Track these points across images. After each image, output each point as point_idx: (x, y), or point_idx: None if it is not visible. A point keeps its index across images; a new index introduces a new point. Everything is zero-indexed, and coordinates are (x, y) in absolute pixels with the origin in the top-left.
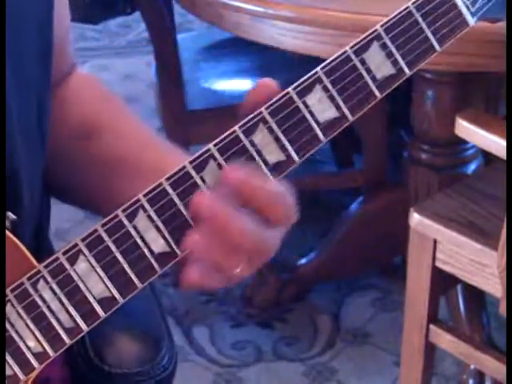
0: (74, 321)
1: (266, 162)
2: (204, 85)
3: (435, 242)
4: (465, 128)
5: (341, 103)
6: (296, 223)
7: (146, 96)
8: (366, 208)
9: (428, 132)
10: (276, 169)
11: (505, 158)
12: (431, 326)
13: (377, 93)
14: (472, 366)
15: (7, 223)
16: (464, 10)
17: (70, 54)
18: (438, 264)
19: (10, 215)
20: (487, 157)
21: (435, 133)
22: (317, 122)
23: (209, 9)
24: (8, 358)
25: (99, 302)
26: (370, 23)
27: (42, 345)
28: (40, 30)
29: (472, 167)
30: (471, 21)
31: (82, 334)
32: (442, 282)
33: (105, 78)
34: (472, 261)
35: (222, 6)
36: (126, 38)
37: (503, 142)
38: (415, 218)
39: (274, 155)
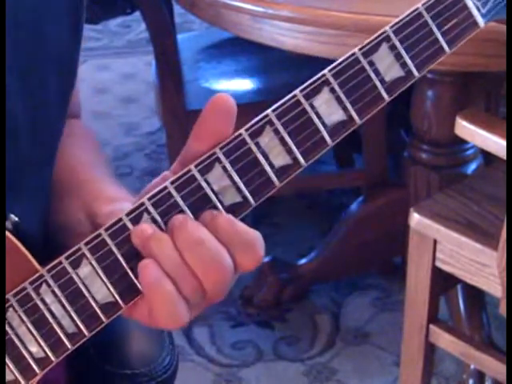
0: (77, 326)
1: (272, 166)
2: (204, 85)
3: (435, 242)
4: (465, 128)
5: (348, 106)
6: (296, 223)
7: (145, 96)
8: (365, 208)
9: (428, 132)
10: (282, 172)
11: (505, 158)
12: (431, 326)
13: (385, 95)
14: (472, 366)
15: (9, 224)
16: (475, 12)
17: (76, 101)
18: (438, 264)
19: (12, 217)
20: (487, 157)
21: (435, 133)
22: (324, 124)
23: (209, 9)
24: (9, 363)
25: (102, 307)
26: (370, 23)
27: (43, 350)
28: (62, 69)
29: (472, 167)
30: (481, 22)
31: (83, 340)
32: (442, 281)
33: (105, 78)
34: (472, 261)
35: (222, 6)
36: (125, 37)
37: (503, 142)
38: (415, 217)
39: (280, 158)
